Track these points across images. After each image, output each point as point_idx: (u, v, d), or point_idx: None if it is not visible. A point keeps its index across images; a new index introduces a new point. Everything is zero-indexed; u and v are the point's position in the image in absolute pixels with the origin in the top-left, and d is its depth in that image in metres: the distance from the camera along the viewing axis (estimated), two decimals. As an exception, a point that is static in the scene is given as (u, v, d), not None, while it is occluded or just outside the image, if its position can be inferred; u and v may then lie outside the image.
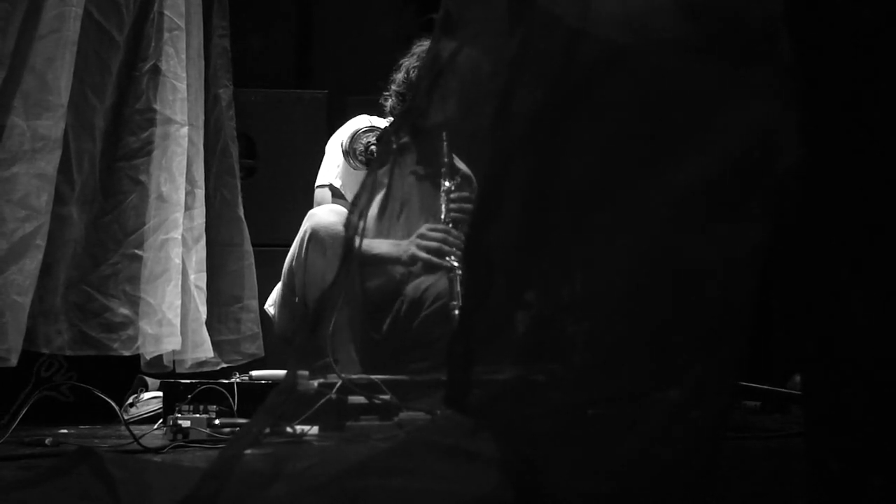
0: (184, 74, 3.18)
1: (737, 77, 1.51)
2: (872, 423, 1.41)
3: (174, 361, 3.22)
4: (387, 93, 3.49)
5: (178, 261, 3.13)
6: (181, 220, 3.16)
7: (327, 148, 3.56)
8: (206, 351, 3.22)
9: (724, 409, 1.53)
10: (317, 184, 3.51)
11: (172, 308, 3.10)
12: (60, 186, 2.89)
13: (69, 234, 2.95)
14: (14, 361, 2.77)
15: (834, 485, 1.43)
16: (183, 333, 3.22)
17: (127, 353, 3.08)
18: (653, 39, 1.53)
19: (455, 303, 3.08)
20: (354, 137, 3.34)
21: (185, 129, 3.16)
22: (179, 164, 3.15)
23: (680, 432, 1.48)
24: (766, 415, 3.46)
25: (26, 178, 2.81)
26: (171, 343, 3.10)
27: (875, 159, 1.43)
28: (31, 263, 2.78)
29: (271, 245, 3.74)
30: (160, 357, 3.19)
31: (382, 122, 3.45)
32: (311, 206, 3.48)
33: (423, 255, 3.27)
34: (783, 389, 3.51)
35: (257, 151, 4.13)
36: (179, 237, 3.15)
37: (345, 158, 3.39)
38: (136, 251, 3.08)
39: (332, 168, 3.48)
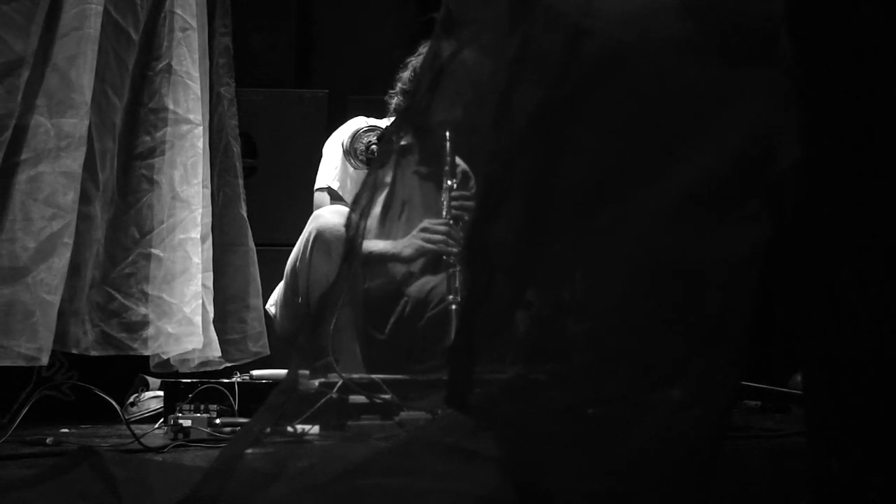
0: (196, 74, 3.18)
1: (737, 77, 1.51)
2: (872, 423, 1.41)
3: (180, 360, 3.22)
4: (393, 91, 3.49)
5: (197, 260, 3.14)
6: (199, 220, 3.17)
7: (325, 150, 3.56)
8: (214, 350, 3.23)
9: (725, 408, 1.53)
10: (315, 187, 3.52)
11: (193, 307, 3.11)
12: (86, 185, 2.89)
13: (95, 233, 2.95)
14: (45, 360, 2.78)
15: (835, 484, 1.43)
16: (194, 333, 3.23)
17: (147, 353, 3.10)
18: (654, 38, 1.53)
19: (452, 297, 3.09)
20: (355, 137, 3.34)
21: (198, 129, 3.17)
22: (194, 163, 3.16)
23: (681, 432, 1.48)
24: (766, 415, 3.47)
25: (52, 176, 2.80)
26: (192, 342, 3.11)
27: (874, 159, 1.44)
28: (60, 262, 2.78)
29: (271, 245, 3.74)
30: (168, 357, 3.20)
31: (381, 123, 3.45)
32: (311, 207, 3.48)
33: (429, 246, 3.27)
34: (783, 389, 3.52)
35: (258, 151, 4.13)
36: (198, 237, 3.16)
37: (345, 158, 3.39)
38: (154, 251, 3.09)
39: (331, 170, 3.48)
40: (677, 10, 1.53)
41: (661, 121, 1.54)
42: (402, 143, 3.39)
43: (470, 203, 3.26)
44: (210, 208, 3.30)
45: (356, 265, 2.63)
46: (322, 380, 1.97)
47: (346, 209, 3.34)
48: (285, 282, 3.43)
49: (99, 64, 2.91)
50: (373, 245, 3.35)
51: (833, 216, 1.46)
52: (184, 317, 3.10)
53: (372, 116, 3.52)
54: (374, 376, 2.36)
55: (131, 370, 3.46)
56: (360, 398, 2.37)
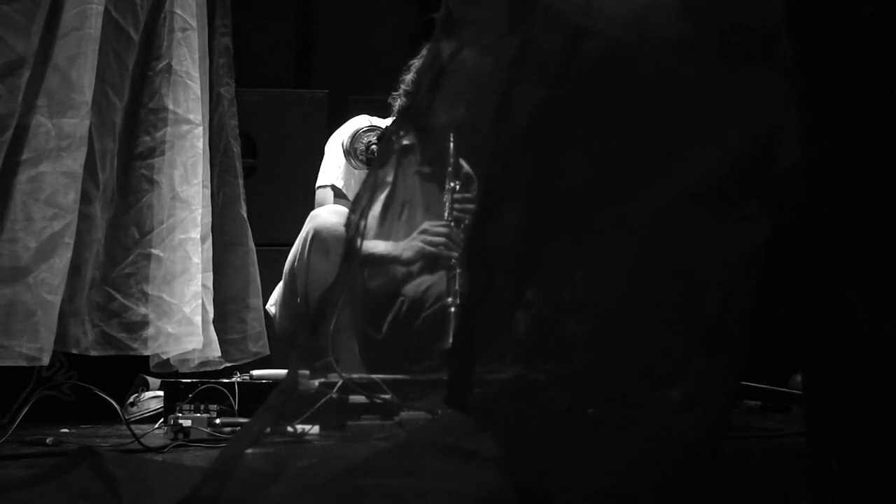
0: (196, 74, 3.19)
1: (737, 77, 1.51)
2: (872, 423, 1.41)
3: (180, 360, 3.23)
4: (396, 93, 3.49)
5: (197, 260, 3.14)
6: (199, 220, 3.17)
7: (327, 148, 3.56)
8: (214, 350, 3.23)
9: (725, 408, 1.53)
10: (318, 184, 3.51)
11: (193, 307, 3.11)
12: (86, 185, 2.89)
13: (95, 233, 2.96)
14: (46, 360, 2.79)
15: (835, 484, 1.43)
16: (194, 333, 3.23)
17: (147, 353, 3.10)
18: (654, 38, 1.53)
19: (451, 299, 3.08)
20: (355, 137, 3.34)
21: (198, 129, 3.17)
22: (194, 163, 3.17)
23: (681, 432, 1.48)
24: (766, 415, 3.46)
25: (53, 176, 2.81)
26: (191, 342, 3.12)
27: (874, 159, 1.44)
28: (61, 262, 2.78)
29: (271, 244, 3.74)
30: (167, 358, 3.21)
31: (382, 122, 3.45)
32: (311, 206, 3.48)
33: (430, 249, 3.27)
34: (783, 389, 3.51)
35: (258, 151, 4.13)
36: (198, 237, 3.16)
37: (345, 158, 3.39)
38: (154, 251, 3.10)
39: (333, 168, 3.48)
40: (677, 10, 1.53)
41: (661, 121, 1.54)
42: (404, 142, 3.40)
43: (472, 206, 3.25)
44: (210, 208, 3.30)
45: (356, 265, 2.63)
46: (322, 380, 1.97)
47: (343, 209, 3.34)
48: (284, 282, 3.43)
49: (99, 64, 2.92)
50: (373, 246, 3.35)
51: (833, 216, 1.46)
52: (184, 317, 3.10)
53: (374, 116, 3.51)
54: (373, 376, 2.36)
55: (131, 370, 3.46)
56: (360, 398, 2.37)
